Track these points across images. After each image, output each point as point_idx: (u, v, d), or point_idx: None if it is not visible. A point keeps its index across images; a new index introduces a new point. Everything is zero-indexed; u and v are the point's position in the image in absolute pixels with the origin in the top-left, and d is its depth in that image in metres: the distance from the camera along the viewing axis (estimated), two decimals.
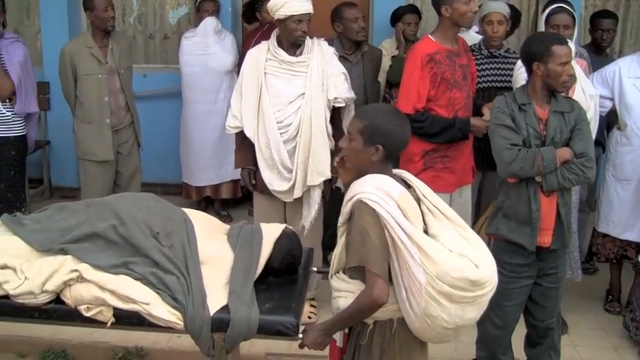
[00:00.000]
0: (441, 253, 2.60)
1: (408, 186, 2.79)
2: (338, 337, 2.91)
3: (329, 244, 4.58)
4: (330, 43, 4.60)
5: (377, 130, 2.72)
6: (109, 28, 5.21)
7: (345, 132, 3.03)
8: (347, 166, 2.87)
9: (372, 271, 2.59)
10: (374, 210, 2.60)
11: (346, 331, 2.88)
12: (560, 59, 3.46)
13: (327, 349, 2.97)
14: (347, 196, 2.75)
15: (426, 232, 2.70)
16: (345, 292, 2.78)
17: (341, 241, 2.84)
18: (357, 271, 2.69)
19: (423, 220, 2.72)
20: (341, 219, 2.81)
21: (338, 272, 2.88)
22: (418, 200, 2.75)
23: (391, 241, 2.61)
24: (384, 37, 5.89)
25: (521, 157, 3.44)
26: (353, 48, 4.76)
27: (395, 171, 2.84)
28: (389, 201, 2.61)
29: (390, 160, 2.80)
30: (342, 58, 4.68)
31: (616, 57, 5.97)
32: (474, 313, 2.68)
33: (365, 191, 2.64)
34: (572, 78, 3.52)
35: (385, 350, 2.77)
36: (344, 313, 2.74)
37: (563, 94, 3.66)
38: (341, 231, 2.84)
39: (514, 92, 3.66)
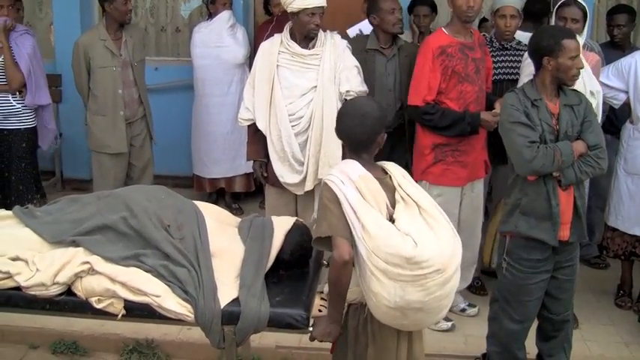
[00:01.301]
0: (380, 228, 2.71)
1: (385, 174, 2.94)
2: None
3: None
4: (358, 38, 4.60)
5: (338, 133, 2.98)
6: (127, 21, 5.24)
7: None
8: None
9: (333, 236, 2.74)
10: (331, 188, 2.80)
11: None
12: (571, 53, 3.45)
13: None
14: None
15: (391, 217, 2.80)
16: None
17: None
18: (324, 247, 2.86)
19: (394, 207, 2.83)
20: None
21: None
22: (394, 189, 2.87)
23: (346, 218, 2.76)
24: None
25: (541, 154, 3.42)
26: (389, 42, 4.64)
27: (379, 162, 3.00)
28: (346, 181, 2.80)
29: (360, 151, 2.92)
30: (377, 52, 4.64)
31: None
32: (417, 295, 2.70)
33: (330, 173, 2.88)
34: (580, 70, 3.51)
35: (359, 334, 2.90)
36: (328, 292, 2.84)
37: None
38: None
39: (523, 88, 3.64)
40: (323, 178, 2.88)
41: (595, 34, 6.26)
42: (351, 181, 2.80)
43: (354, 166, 2.86)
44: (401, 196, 2.85)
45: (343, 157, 4.22)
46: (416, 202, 2.84)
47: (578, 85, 3.92)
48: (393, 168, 2.98)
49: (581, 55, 3.54)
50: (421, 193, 2.92)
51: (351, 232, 2.75)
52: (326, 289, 4.19)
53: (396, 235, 2.71)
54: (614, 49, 5.26)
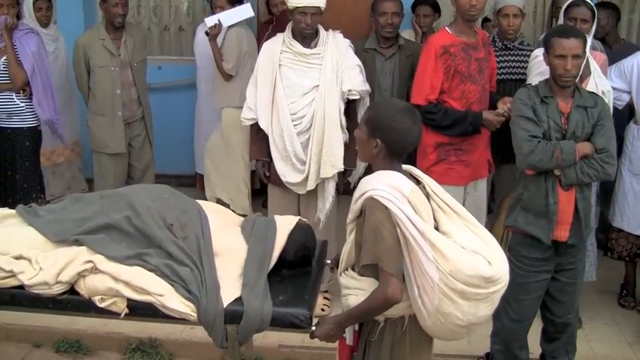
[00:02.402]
0: (454, 250, 2.58)
1: (417, 182, 2.77)
2: (348, 334, 2.90)
3: None
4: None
5: (378, 124, 2.69)
6: (117, 24, 5.23)
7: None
8: (359, 158, 2.91)
9: (385, 270, 2.58)
10: (386, 207, 2.57)
11: (356, 328, 2.87)
12: (557, 51, 3.44)
13: (336, 347, 2.97)
14: (356, 194, 2.72)
15: (436, 228, 2.66)
16: (355, 289, 2.77)
17: (350, 238, 2.84)
18: (368, 269, 2.67)
19: (434, 217, 2.69)
20: (350, 216, 2.79)
21: (347, 269, 2.88)
22: (427, 196, 2.72)
23: (403, 239, 2.58)
24: (405, 27, 5.84)
25: (540, 148, 3.42)
26: (388, 42, 4.67)
27: (404, 167, 2.80)
28: (400, 198, 2.58)
29: (396, 157, 2.73)
30: (376, 52, 4.65)
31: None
32: (487, 310, 2.66)
33: (376, 188, 2.61)
34: (571, 73, 3.45)
35: (396, 347, 2.77)
36: (356, 310, 2.72)
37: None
38: (350, 228, 2.83)
39: (537, 84, 3.63)
40: (370, 194, 2.61)
41: None
42: (404, 197, 2.59)
43: (401, 179, 2.66)
44: (438, 205, 2.70)
45: (345, 158, 4.27)
46: (452, 209, 2.72)
47: (590, 86, 3.93)
48: (419, 173, 2.80)
49: (589, 56, 3.50)
50: (452, 198, 2.77)
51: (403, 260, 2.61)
52: (326, 287, 4.16)
53: (468, 255, 2.60)
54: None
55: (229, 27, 5.55)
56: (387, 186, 2.60)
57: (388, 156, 2.71)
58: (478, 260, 2.60)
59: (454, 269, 2.55)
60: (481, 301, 2.61)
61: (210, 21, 5.47)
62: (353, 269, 2.84)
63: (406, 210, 2.56)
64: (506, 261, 2.69)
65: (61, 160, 5.84)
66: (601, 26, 5.18)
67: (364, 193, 2.65)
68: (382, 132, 2.67)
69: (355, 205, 2.73)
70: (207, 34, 5.48)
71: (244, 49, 5.68)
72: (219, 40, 5.57)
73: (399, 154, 2.73)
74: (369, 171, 2.93)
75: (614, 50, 5.10)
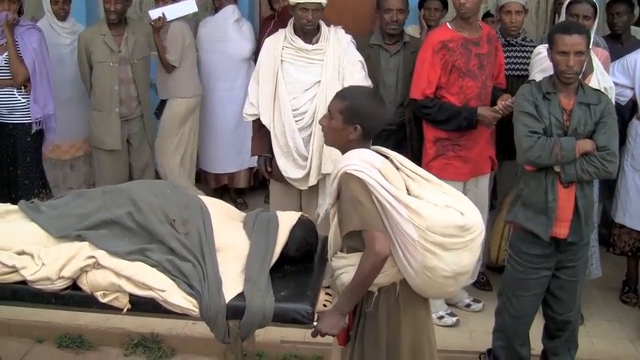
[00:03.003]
0: (427, 208, 2.75)
1: (385, 157, 2.91)
2: None
3: None
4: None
5: (357, 112, 2.86)
6: (110, 20, 5.24)
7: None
8: (326, 143, 3.04)
9: (368, 231, 2.70)
10: (359, 178, 2.73)
11: None
12: (559, 48, 3.43)
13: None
14: (331, 177, 2.89)
15: (409, 195, 2.83)
16: (345, 267, 2.88)
17: (333, 223, 2.95)
18: (353, 240, 2.79)
19: (405, 186, 2.85)
20: (330, 200, 2.94)
21: (336, 254, 2.98)
22: (397, 169, 2.87)
23: (379, 206, 2.74)
24: (410, 22, 5.83)
25: (539, 144, 3.41)
26: (393, 39, 4.65)
27: (372, 147, 2.96)
28: (372, 169, 2.75)
29: (367, 139, 2.92)
30: (381, 48, 4.65)
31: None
32: (470, 258, 2.82)
33: (349, 164, 2.77)
34: (573, 70, 3.44)
35: (391, 314, 2.88)
36: (353, 283, 2.79)
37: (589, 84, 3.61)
38: (332, 212, 2.96)
39: (540, 81, 3.63)
40: (344, 170, 2.77)
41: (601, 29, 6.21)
42: (375, 169, 2.76)
43: (371, 154, 2.84)
44: (407, 175, 2.86)
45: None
46: (421, 177, 2.87)
47: (593, 83, 3.91)
48: (385, 150, 2.96)
49: (591, 52, 3.49)
50: (418, 167, 2.94)
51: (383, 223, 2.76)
52: (327, 283, 4.20)
53: (441, 210, 2.77)
54: (613, 41, 5.22)
55: (172, 21, 5.63)
56: (358, 160, 2.77)
57: (362, 139, 2.89)
58: (451, 212, 2.78)
59: (430, 224, 2.71)
60: (461, 250, 2.77)
61: (154, 14, 5.52)
62: (341, 252, 2.95)
63: (379, 179, 2.74)
64: (478, 212, 2.86)
65: (80, 153, 5.84)
66: (622, 21, 5.16)
67: (337, 173, 2.81)
68: (360, 119, 2.85)
69: (332, 187, 2.87)
70: (151, 25, 5.50)
71: (187, 42, 5.79)
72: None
73: (370, 136, 2.94)
74: None
75: (626, 47, 5.08)
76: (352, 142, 2.88)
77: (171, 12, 5.55)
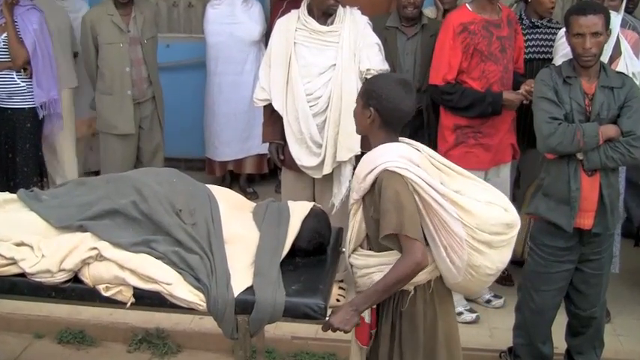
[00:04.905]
0: (475, 204, 2.74)
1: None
2: (366, 313, 2.88)
3: None
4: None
5: (372, 93, 2.79)
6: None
7: None
8: (356, 131, 2.97)
9: (409, 237, 2.66)
10: (402, 176, 2.67)
11: (373, 305, 2.89)
12: (574, 30, 3.36)
13: (351, 336, 2.93)
14: (363, 171, 2.79)
15: None
16: (378, 266, 2.82)
17: (357, 218, 2.89)
18: (389, 241, 2.73)
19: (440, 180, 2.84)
20: (356, 195, 2.85)
21: (356, 249, 2.93)
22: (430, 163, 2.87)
23: (422, 204, 2.70)
24: (427, 4, 5.69)
25: (560, 131, 3.34)
26: (411, 21, 4.56)
27: (400, 139, 2.89)
28: (413, 166, 2.70)
29: (391, 128, 2.81)
30: (398, 30, 4.56)
31: None
32: (509, 253, 2.85)
33: (388, 160, 2.70)
34: (590, 52, 3.32)
35: (427, 311, 2.88)
36: (382, 284, 2.74)
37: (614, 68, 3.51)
38: (355, 208, 2.89)
39: (561, 65, 3.54)
40: (384, 166, 2.68)
41: None
42: (415, 165, 2.71)
43: (407, 148, 2.79)
44: (438, 168, 2.85)
45: (362, 141, 4.16)
46: (453, 170, 2.87)
47: (621, 67, 3.83)
48: (414, 142, 2.90)
49: (620, 35, 3.38)
50: (447, 160, 2.93)
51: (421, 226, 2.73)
52: (341, 276, 4.13)
53: (487, 206, 2.77)
54: None
55: None
56: (397, 156, 2.71)
57: (383, 126, 2.79)
58: (496, 209, 2.78)
59: (480, 222, 2.71)
60: (505, 247, 2.80)
61: None
62: (362, 248, 2.91)
63: (423, 175, 2.69)
64: (512, 205, 2.88)
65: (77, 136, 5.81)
66: None
67: (374, 169, 2.72)
68: (375, 100, 2.76)
69: (364, 183, 2.78)
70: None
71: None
72: None
73: (393, 124, 2.81)
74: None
75: None
76: (372, 130, 2.82)
77: None
